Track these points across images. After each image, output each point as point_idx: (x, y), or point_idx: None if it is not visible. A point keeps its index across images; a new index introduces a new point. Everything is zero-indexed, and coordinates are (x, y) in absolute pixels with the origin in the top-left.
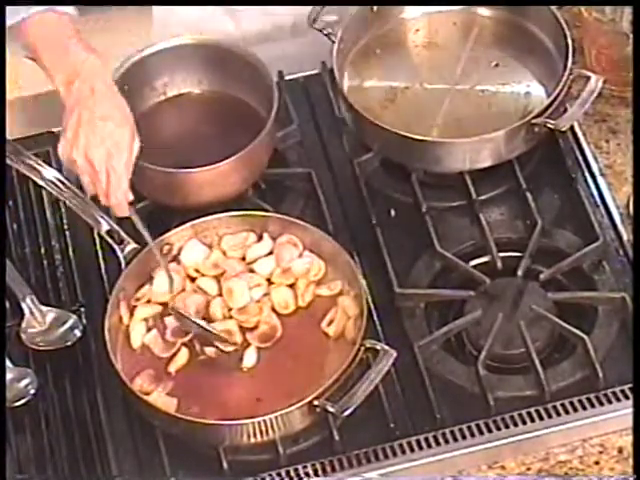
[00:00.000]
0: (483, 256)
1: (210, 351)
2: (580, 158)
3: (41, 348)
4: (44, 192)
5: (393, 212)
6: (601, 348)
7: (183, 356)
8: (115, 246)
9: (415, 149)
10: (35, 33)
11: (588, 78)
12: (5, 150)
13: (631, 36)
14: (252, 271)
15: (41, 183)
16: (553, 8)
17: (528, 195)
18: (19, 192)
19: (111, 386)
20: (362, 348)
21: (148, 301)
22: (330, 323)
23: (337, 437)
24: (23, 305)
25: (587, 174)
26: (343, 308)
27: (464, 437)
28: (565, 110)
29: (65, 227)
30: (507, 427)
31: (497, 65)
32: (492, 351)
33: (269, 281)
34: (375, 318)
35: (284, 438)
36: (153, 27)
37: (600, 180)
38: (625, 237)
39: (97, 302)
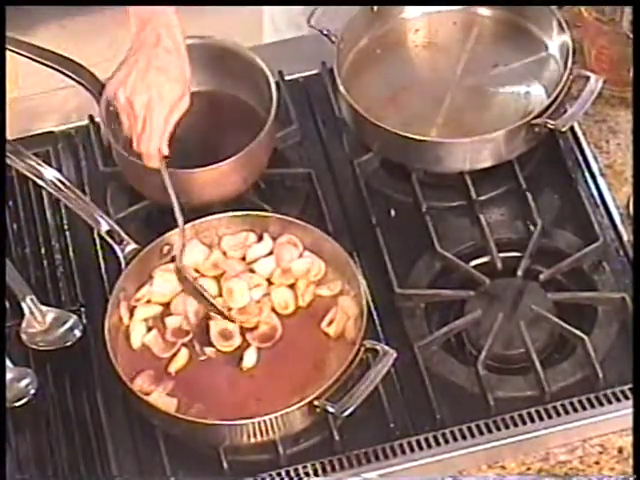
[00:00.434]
0: (483, 256)
1: (210, 351)
2: (580, 158)
3: (41, 348)
4: (44, 192)
5: (393, 212)
6: (601, 348)
7: (183, 356)
8: (115, 246)
9: (415, 149)
10: None
11: (588, 78)
12: (5, 150)
13: (631, 36)
14: (252, 271)
15: (41, 183)
16: (553, 8)
17: (528, 195)
18: (19, 192)
19: (111, 386)
20: (362, 348)
21: (148, 301)
22: (330, 323)
23: (337, 437)
24: (23, 305)
25: (587, 174)
26: (343, 308)
27: (464, 437)
28: (565, 110)
29: (65, 227)
30: (507, 427)
31: (497, 65)
32: (492, 351)
33: (269, 281)
34: (375, 318)
35: (284, 438)
36: None
37: (600, 180)
38: (625, 237)
39: (97, 302)
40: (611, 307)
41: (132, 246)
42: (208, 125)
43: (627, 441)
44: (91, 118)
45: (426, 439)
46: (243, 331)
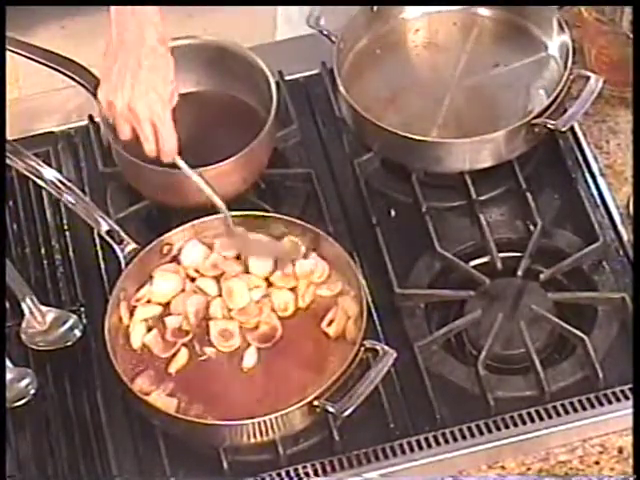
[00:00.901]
0: (483, 256)
1: (210, 351)
2: (580, 158)
3: (41, 348)
4: (44, 192)
5: (393, 212)
6: (601, 348)
7: (183, 356)
8: (115, 246)
9: (415, 149)
10: None
11: (588, 78)
12: (5, 150)
13: (631, 36)
14: (247, 272)
15: (41, 183)
16: (553, 8)
17: (528, 195)
18: (19, 192)
19: (111, 386)
20: (362, 348)
21: (148, 301)
22: (330, 323)
23: (337, 437)
24: (23, 305)
25: (587, 174)
26: (343, 308)
27: (464, 437)
28: (565, 110)
29: (65, 227)
30: (507, 427)
31: (497, 65)
32: (492, 351)
33: (268, 281)
34: (375, 318)
35: (284, 438)
36: None
37: (600, 180)
38: (625, 237)
39: (97, 302)
40: (611, 307)
41: (132, 246)
42: (208, 125)
43: (627, 441)
44: (91, 118)
45: (426, 439)
46: (243, 331)
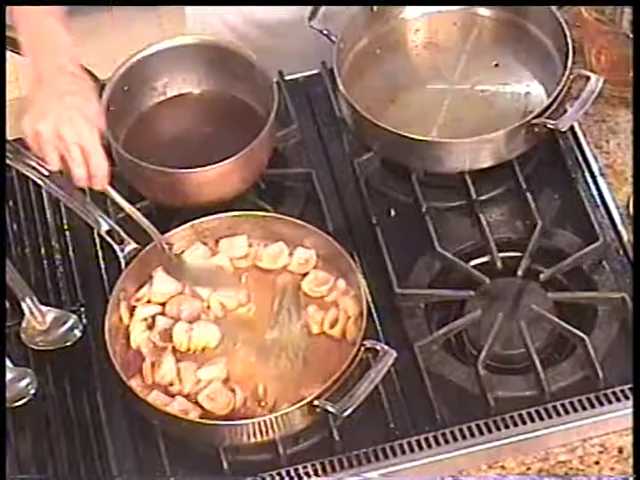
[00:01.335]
0: (483, 256)
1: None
2: (580, 158)
3: (41, 348)
4: (44, 192)
5: (393, 212)
6: (601, 348)
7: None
8: (115, 246)
9: (415, 149)
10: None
11: (588, 78)
12: (5, 150)
13: (631, 36)
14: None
15: (41, 183)
16: (553, 8)
17: (528, 195)
18: (19, 192)
19: (111, 386)
20: (362, 348)
21: (148, 301)
22: (331, 324)
23: (337, 437)
24: (23, 305)
25: (587, 174)
26: (343, 308)
27: (464, 437)
28: (565, 110)
29: (65, 227)
30: (507, 427)
31: (497, 65)
32: (492, 351)
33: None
34: (375, 318)
35: (284, 438)
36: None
37: (600, 180)
38: (625, 237)
39: (97, 302)
40: (611, 307)
41: (132, 246)
42: (208, 125)
43: (627, 441)
44: None
45: (426, 439)
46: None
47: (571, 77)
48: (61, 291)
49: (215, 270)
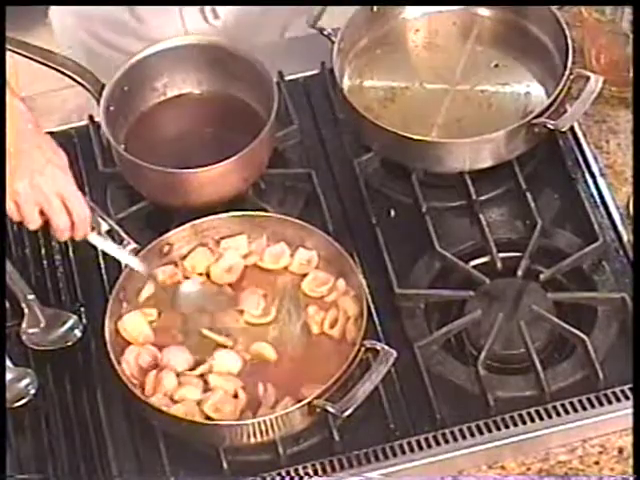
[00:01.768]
0: (483, 256)
1: None
2: (580, 158)
3: (41, 348)
4: None
5: (393, 212)
6: (601, 348)
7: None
8: (115, 246)
9: (415, 149)
10: None
11: (588, 78)
12: (5, 149)
13: (631, 36)
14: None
15: None
16: (553, 8)
17: (528, 195)
18: None
19: (111, 386)
20: (362, 348)
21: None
22: (331, 324)
23: (337, 437)
24: (23, 305)
25: (587, 174)
26: (343, 308)
27: (464, 437)
28: (565, 110)
29: None
30: (507, 427)
31: (497, 65)
32: (492, 351)
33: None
34: (375, 318)
35: (284, 438)
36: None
37: (600, 180)
38: (625, 237)
39: (97, 302)
40: (611, 307)
41: (132, 246)
42: (208, 125)
43: (627, 441)
44: (91, 118)
45: (426, 439)
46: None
47: (571, 77)
48: (61, 291)
49: (208, 294)
